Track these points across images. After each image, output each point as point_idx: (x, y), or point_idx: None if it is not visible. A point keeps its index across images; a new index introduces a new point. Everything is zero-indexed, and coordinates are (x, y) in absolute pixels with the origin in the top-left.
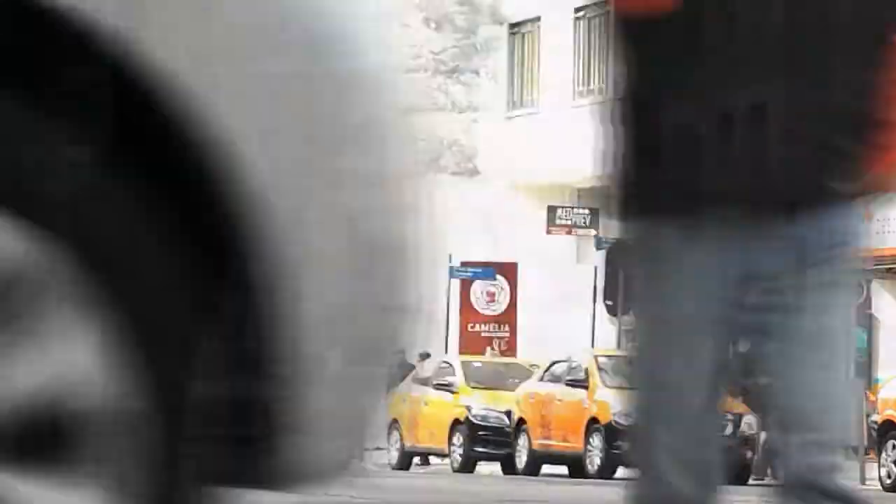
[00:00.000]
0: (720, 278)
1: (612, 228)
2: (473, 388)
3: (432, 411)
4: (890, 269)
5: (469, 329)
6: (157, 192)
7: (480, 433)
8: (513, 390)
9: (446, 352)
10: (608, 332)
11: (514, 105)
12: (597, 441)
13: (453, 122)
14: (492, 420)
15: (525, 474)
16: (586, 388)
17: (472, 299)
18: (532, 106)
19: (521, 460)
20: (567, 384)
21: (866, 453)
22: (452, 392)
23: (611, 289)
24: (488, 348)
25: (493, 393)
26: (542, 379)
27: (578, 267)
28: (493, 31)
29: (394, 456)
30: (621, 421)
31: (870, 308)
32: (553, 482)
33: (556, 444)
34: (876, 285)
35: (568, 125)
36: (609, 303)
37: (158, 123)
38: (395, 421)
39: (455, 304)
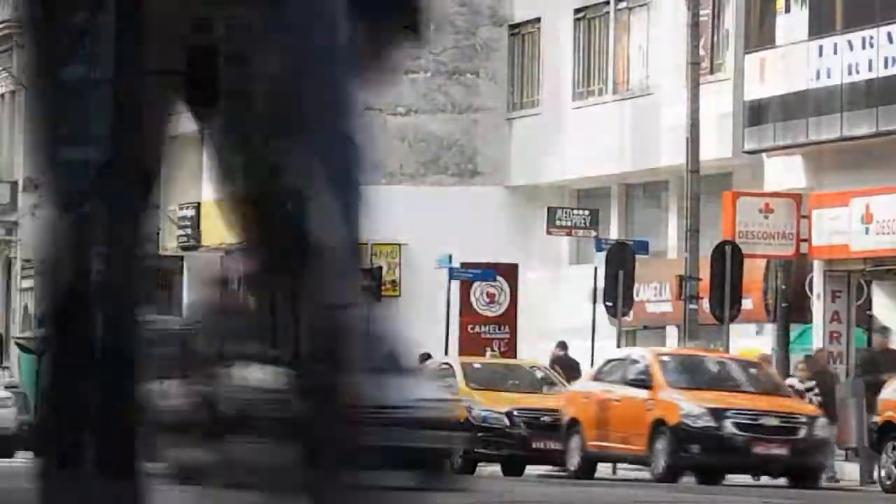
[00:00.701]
0: None
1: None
2: (474, 389)
3: None
4: (889, 270)
5: (469, 330)
6: None
7: (480, 434)
8: (514, 391)
9: (446, 353)
10: (608, 334)
11: (514, 106)
12: (662, 444)
13: (453, 122)
14: (491, 421)
15: (577, 477)
16: (649, 388)
17: (473, 300)
18: (532, 107)
19: (574, 462)
20: (629, 384)
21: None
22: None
23: (610, 290)
24: (487, 349)
25: (493, 394)
26: (596, 378)
27: (578, 268)
28: (493, 33)
29: None
30: (690, 423)
31: (870, 309)
32: (543, 482)
33: (614, 446)
34: (875, 286)
35: (568, 126)
36: (609, 304)
37: None
38: None
39: (455, 305)
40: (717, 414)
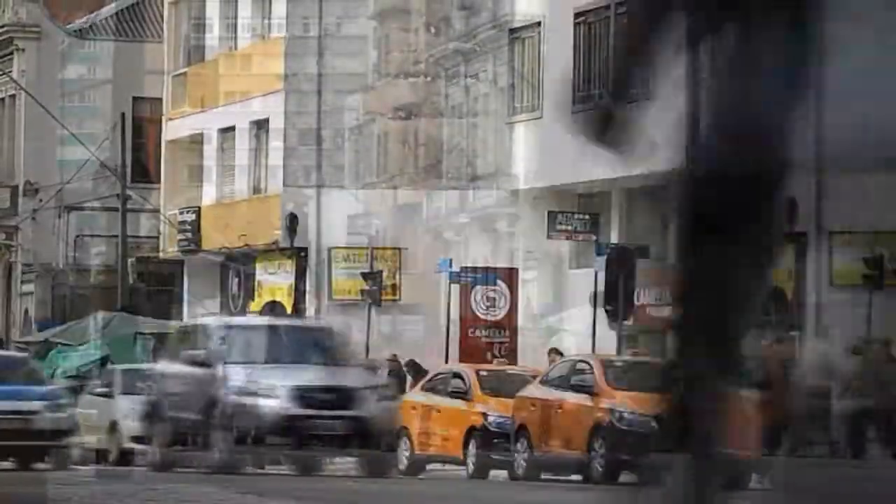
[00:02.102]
0: None
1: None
2: (617, 389)
3: (566, 413)
4: None
5: (469, 334)
6: None
7: (627, 439)
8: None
9: (447, 357)
10: (608, 337)
11: (514, 110)
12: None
13: (453, 126)
14: (636, 425)
15: None
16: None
17: (473, 304)
18: (532, 110)
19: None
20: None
21: None
22: (593, 394)
23: (611, 294)
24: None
25: (640, 395)
26: None
27: (578, 272)
28: (493, 36)
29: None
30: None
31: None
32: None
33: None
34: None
35: (568, 130)
36: (609, 308)
37: None
38: (523, 427)
39: (455, 309)
40: None
